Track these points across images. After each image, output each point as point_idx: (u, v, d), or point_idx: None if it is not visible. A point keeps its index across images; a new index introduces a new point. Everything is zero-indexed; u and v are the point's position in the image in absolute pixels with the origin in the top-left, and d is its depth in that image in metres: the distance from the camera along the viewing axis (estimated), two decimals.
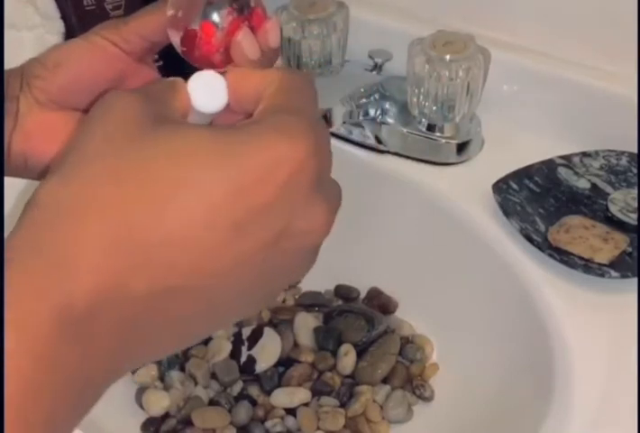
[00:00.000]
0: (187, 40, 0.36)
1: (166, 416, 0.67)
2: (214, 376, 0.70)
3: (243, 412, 0.67)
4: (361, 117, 0.69)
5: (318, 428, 0.66)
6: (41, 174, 0.40)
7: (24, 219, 0.27)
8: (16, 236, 0.27)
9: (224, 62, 0.36)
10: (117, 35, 0.40)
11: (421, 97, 0.67)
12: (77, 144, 0.29)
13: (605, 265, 0.58)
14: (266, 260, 0.29)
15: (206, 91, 0.33)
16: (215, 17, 0.35)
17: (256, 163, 0.28)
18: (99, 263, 0.26)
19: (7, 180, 0.36)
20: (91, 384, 0.27)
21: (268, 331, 0.72)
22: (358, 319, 0.72)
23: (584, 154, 0.67)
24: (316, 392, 0.68)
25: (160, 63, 0.72)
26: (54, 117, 0.40)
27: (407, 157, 0.70)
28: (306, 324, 0.72)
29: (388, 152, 0.71)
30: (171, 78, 0.33)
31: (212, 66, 0.35)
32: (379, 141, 0.70)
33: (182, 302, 0.28)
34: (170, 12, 0.37)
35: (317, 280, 0.76)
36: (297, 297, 0.76)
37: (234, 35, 0.35)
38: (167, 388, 0.69)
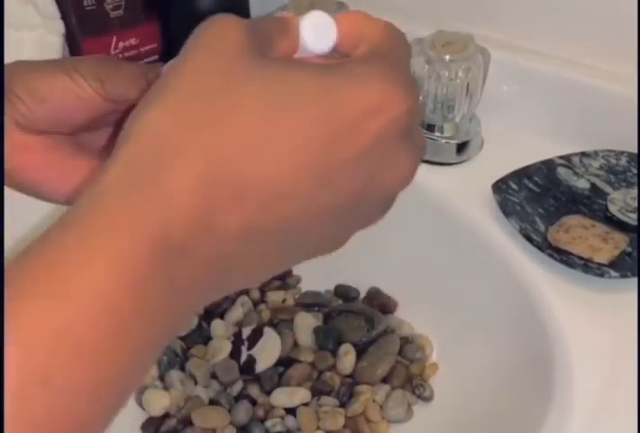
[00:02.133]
0: None
1: (166, 416, 0.68)
2: (214, 376, 0.70)
3: (243, 412, 0.67)
4: None
5: (318, 428, 0.66)
6: (16, 187, 0.40)
7: (122, 149, 0.27)
8: (114, 166, 0.27)
9: None
10: (102, 89, 0.39)
11: (421, 97, 0.67)
12: (179, 71, 0.28)
13: (604, 265, 0.58)
14: (349, 209, 0.29)
15: (318, 31, 0.33)
16: None
17: (356, 109, 0.28)
18: (196, 200, 0.26)
19: None
20: (172, 318, 0.27)
21: (268, 331, 0.72)
22: (358, 319, 0.72)
23: (583, 154, 0.67)
24: (316, 392, 0.68)
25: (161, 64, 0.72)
26: (32, 140, 0.40)
27: None
28: (305, 324, 0.72)
29: None
30: (283, 16, 0.32)
31: None
32: None
33: (266, 243, 0.28)
34: None
35: (317, 280, 0.76)
36: (296, 297, 0.76)
37: None
38: (167, 388, 0.69)
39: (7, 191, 0.39)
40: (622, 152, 0.67)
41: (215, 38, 0.29)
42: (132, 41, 0.69)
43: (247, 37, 0.29)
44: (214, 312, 0.74)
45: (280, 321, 0.73)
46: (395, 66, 0.30)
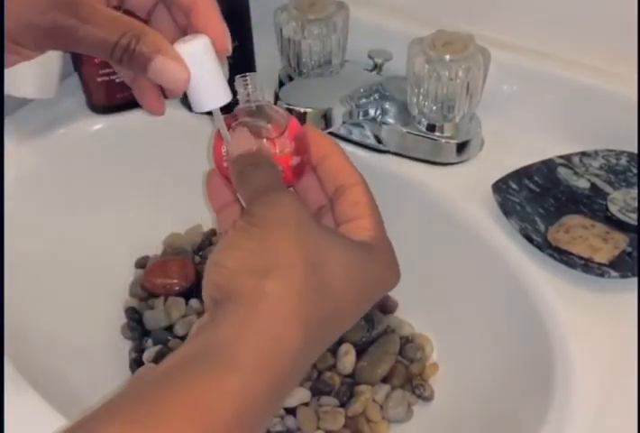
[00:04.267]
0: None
1: None
2: None
3: None
4: (360, 117, 0.69)
5: (318, 428, 0.66)
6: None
7: (235, 294, 0.35)
8: (191, 345, 0.34)
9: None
10: None
11: (421, 97, 0.67)
12: (266, 225, 0.36)
13: (604, 265, 0.58)
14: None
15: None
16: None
17: (375, 285, 0.40)
18: (296, 356, 0.35)
19: None
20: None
21: None
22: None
23: (584, 154, 0.67)
24: (316, 392, 0.68)
25: None
26: None
27: (407, 157, 0.70)
28: None
29: (388, 152, 0.71)
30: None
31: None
32: (379, 141, 0.71)
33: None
34: None
35: None
36: None
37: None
38: None
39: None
40: (622, 152, 0.67)
41: (285, 210, 0.37)
42: None
43: (301, 203, 0.38)
44: None
45: None
46: (391, 252, 0.44)
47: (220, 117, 0.41)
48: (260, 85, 0.41)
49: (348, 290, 0.37)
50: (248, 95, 0.41)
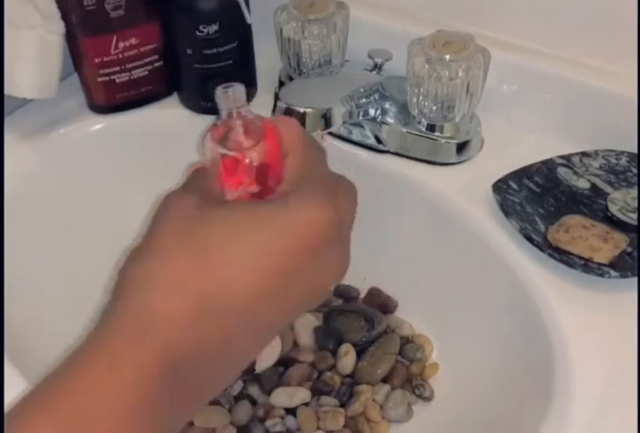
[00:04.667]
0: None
1: None
2: None
3: (243, 412, 0.67)
4: (360, 117, 0.69)
5: (318, 428, 0.66)
6: None
7: (119, 290, 0.36)
8: (115, 304, 0.35)
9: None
10: None
11: (421, 97, 0.67)
12: (151, 234, 0.37)
13: (604, 265, 0.58)
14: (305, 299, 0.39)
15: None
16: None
17: (293, 234, 0.36)
18: (187, 321, 0.34)
19: None
20: (175, 415, 0.35)
21: None
22: (358, 319, 0.72)
23: (584, 154, 0.67)
24: (316, 392, 0.68)
25: (161, 63, 0.72)
26: None
27: (407, 157, 0.70)
28: (305, 323, 0.72)
29: (388, 152, 0.71)
30: (196, 168, 0.41)
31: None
32: (378, 141, 0.71)
33: (243, 344, 0.36)
34: None
35: None
36: None
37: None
38: None
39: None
40: (622, 152, 0.67)
41: (168, 208, 0.38)
42: (132, 41, 0.69)
43: (188, 198, 0.38)
44: None
45: None
46: (317, 189, 0.38)
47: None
48: (244, 94, 0.41)
49: (236, 254, 0.35)
50: (230, 106, 0.41)
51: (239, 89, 0.41)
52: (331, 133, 0.71)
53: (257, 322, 0.36)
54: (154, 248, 0.36)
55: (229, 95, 0.41)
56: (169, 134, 0.76)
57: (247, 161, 0.41)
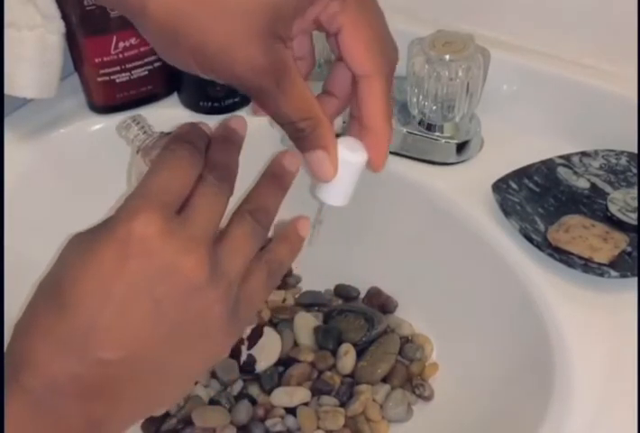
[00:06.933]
0: None
1: (166, 415, 0.68)
2: (214, 375, 0.70)
3: (243, 412, 0.67)
4: None
5: (318, 428, 0.66)
6: None
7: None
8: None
9: None
10: None
11: (421, 97, 0.67)
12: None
13: (604, 265, 0.58)
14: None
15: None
16: None
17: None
18: (50, 364, 0.37)
19: None
20: None
21: (268, 330, 0.72)
22: (358, 319, 0.72)
23: (583, 154, 0.67)
24: (316, 392, 0.68)
25: (161, 63, 0.72)
26: None
27: (407, 157, 0.70)
28: (305, 323, 0.72)
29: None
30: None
31: None
32: None
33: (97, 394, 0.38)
34: None
35: (317, 280, 0.76)
36: (296, 296, 0.76)
37: None
38: None
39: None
40: (622, 152, 0.67)
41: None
42: (132, 41, 0.69)
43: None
44: None
45: (280, 321, 0.73)
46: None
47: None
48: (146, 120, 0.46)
49: (79, 288, 0.38)
50: (145, 133, 0.50)
51: (140, 116, 0.51)
52: None
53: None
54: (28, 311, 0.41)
55: (139, 120, 0.47)
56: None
57: None
